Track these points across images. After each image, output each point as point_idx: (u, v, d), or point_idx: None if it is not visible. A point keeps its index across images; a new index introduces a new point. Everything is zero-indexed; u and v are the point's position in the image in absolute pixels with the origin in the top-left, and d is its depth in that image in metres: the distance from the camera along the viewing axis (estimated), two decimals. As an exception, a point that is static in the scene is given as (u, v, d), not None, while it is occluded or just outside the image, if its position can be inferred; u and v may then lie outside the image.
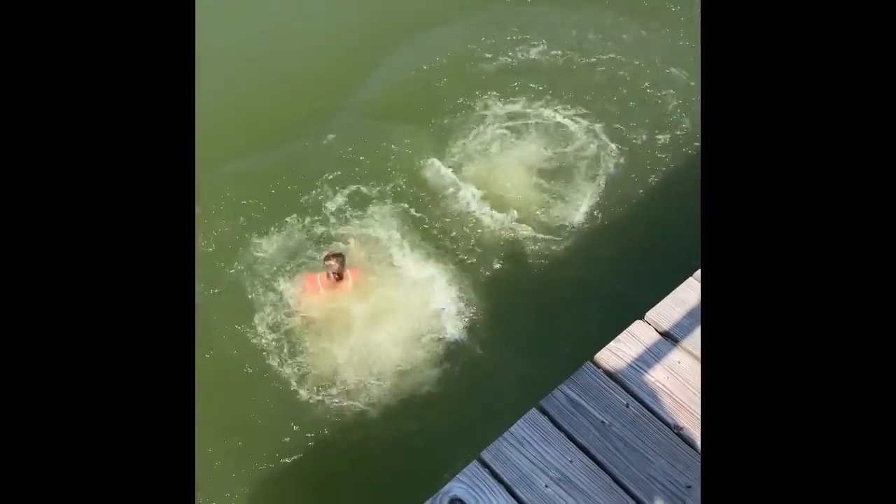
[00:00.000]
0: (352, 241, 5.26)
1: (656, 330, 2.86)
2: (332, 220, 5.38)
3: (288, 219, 5.38)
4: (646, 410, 2.60)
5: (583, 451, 2.49)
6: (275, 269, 5.09)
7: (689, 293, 2.98)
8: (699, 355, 2.76)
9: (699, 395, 2.64)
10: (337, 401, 4.37)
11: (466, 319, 4.72)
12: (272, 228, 5.35)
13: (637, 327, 2.88)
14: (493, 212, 5.33)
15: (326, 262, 4.81)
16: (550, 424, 2.57)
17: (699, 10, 1.59)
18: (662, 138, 5.78)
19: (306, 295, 4.92)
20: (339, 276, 4.79)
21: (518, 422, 2.58)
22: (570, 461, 2.46)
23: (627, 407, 2.60)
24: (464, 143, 5.85)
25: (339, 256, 4.84)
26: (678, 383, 2.68)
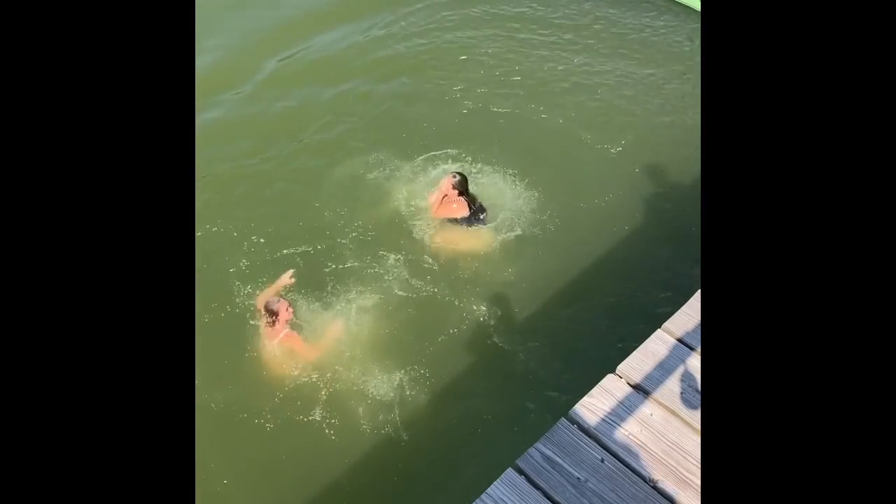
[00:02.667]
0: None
1: (628, 383, 2.89)
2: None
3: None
4: (621, 465, 2.60)
5: (560, 509, 2.47)
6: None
7: (658, 345, 3.03)
8: (671, 406, 2.79)
9: (673, 447, 2.66)
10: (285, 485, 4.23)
11: (423, 382, 4.66)
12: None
13: (609, 381, 2.90)
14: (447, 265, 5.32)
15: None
16: (527, 484, 2.55)
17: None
18: (626, 192, 5.94)
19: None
20: (270, 317, 4.73)
21: (495, 482, 2.57)
22: (549, 520, 2.44)
23: (602, 462, 2.60)
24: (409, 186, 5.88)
25: (280, 301, 4.76)
26: (651, 436, 2.69)
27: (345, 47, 7.66)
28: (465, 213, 5.41)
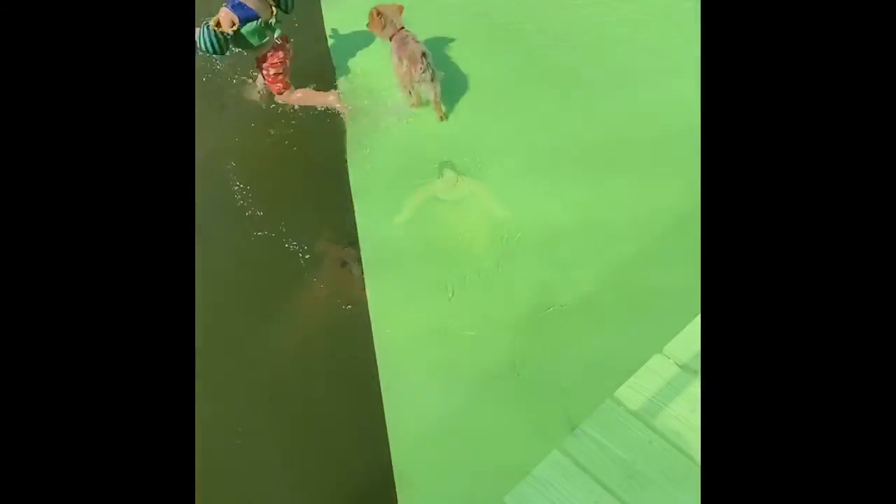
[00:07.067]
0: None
1: (675, 363, 2.83)
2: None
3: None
4: (669, 446, 2.56)
5: (608, 491, 2.44)
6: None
7: (706, 324, 2.96)
8: (721, 387, 2.73)
9: (723, 428, 2.60)
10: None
11: (465, 359, 4.60)
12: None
13: (656, 361, 2.85)
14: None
15: None
16: (574, 465, 2.53)
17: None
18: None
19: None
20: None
21: (541, 464, 2.55)
22: (596, 502, 2.41)
23: (650, 444, 2.56)
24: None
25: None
26: (701, 417, 2.63)
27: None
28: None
